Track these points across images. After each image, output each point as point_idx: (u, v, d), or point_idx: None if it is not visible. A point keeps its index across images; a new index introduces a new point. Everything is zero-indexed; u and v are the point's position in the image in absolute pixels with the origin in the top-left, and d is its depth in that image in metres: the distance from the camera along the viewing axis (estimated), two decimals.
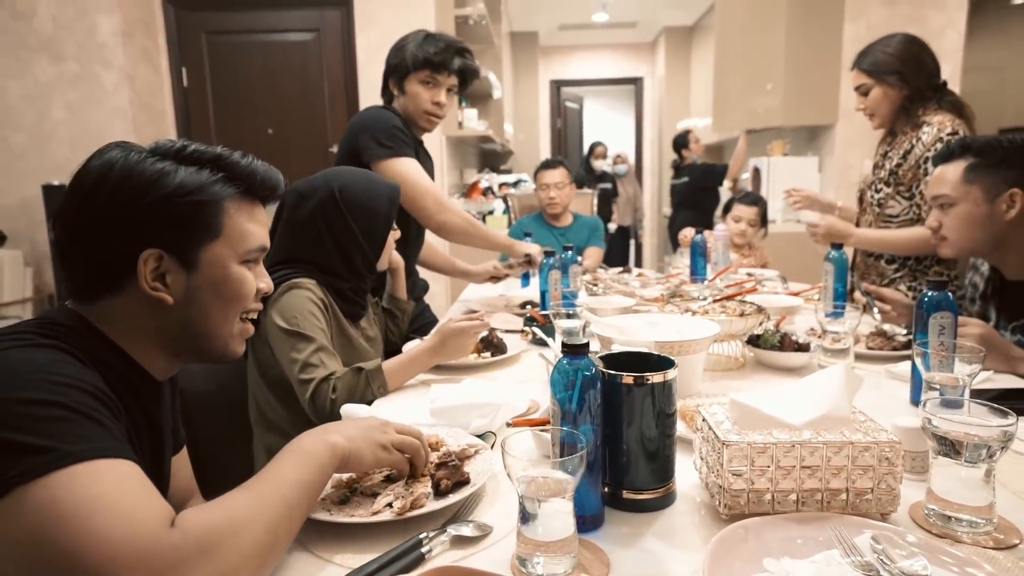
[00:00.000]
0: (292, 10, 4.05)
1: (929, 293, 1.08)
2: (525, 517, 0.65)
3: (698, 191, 5.29)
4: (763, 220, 2.95)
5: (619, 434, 0.78)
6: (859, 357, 1.37)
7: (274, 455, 0.72)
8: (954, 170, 1.40)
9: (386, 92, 1.94)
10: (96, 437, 0.59)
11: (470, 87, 2.02)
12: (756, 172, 4.74)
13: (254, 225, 0.80)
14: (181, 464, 0.96)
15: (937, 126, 1.81)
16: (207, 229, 0.75)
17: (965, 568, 0.62)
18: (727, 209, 3.05)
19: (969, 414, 0.76)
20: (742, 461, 0.73)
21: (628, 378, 0.77)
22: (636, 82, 8.11)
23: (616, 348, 1.01)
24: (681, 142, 5.51)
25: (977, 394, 1.12)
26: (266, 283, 0.84)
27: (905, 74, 1.85)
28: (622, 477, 0.80)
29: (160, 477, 0.82)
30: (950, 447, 0.70)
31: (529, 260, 2.01)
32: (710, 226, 2.87)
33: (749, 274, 2.47)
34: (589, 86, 8.50)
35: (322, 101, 4.13)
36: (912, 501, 0.78)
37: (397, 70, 1.85)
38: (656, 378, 0.77)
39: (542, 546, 0.65)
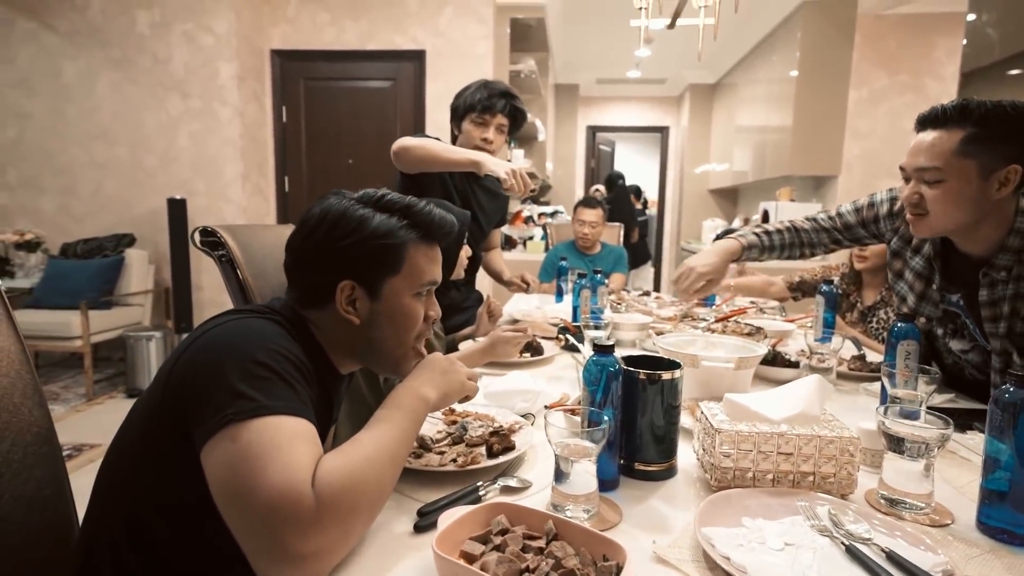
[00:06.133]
0: (374, 62, 4.28)
1: (898, 324, 1.15)
2: (559, 475, 0.76)
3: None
4: None
5: (634, 419, 0.88)
6: (840, 376, 1.44)
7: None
8: (948, 140, 1.10)
9: (453, 133, 2.04)
10: (288, 398, 0.65)
11: (521, 131, 2.13)
12: (765, 214, 4.76)
13: (428, 263, 0.84)
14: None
15: None
16: (391, 266, 0.80)
17: (894, 532, 0.70)
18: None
19: (924, 423, 0.83)
20: (730, 445, 0.82)
21: (643, 375, 0.87)
22: (663, 131, 8.18)
23: (705, 364, 1.12)
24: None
25: (938, 411, 1.18)
26: (435, 310, 0.88)
27: None
28: (635, 452, 0.89)
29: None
30: (897, 444, 0.78)
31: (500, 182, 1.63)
32: None
33: (752, 302, 2.54)
34: (621, 132, 8.62)
35: (394, 138, 4.30)
36: (868, 488, 0.85)
37: (456, 112, 1.97)
38: (666, 376, 0.87)
39: (571, 498, 0.75)
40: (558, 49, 6.03)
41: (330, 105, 4.36)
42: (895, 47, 4.12)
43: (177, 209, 3.72)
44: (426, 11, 4.16)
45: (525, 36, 4.98)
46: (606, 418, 0.77)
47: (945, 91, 4.04)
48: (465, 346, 1.53)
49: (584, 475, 0.75)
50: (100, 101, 4.00)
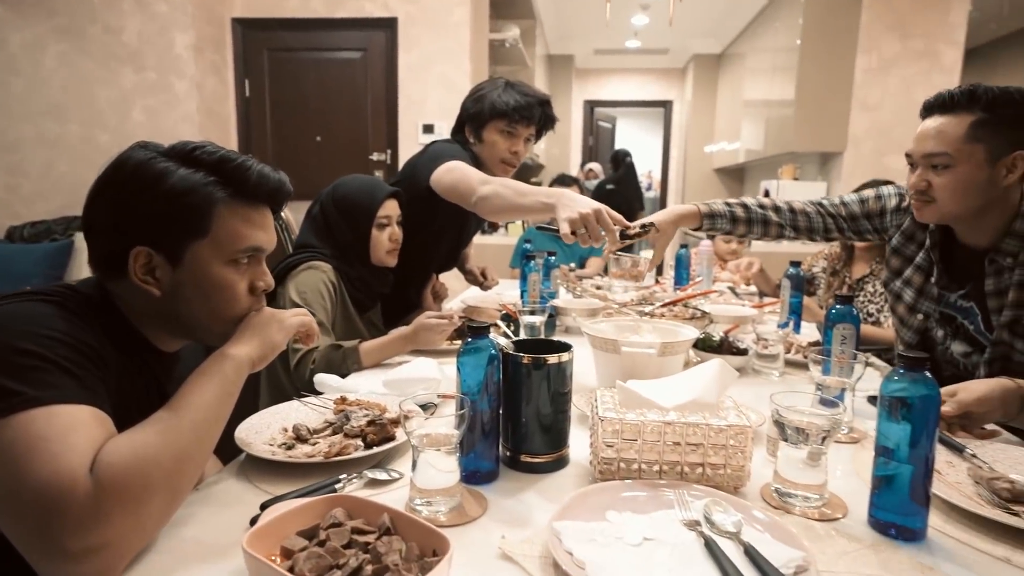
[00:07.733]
0: (343, 31, 4.25)
1: (836, 307, 1.13)
2: (414, 465, 0.75)
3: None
4: None
5: (519, 407, 0.87)
6: (791, 364, 1.42)
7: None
8: (957, 125, 1.15)
9: (458, 136, 1.81)
10: (63, 385, 0.63)
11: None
12: (767, 194, 4.71)
13: (247, 227, 0.79)
14: None
15: None
16: (194, 229, 0.75)
17: (769, 527, 0.69)
18: None
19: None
20: (613, 434, 0.81)
21: (527, 359, 0.86)
22: (666, 105, 8.11)
23: (626, 350, 1.09)
24: None
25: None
26: (264, 280, 0.83)
27: None
28: (521, 443, 0.88)
29: None
30: (782, 431, 0.76)
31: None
32: None
33: (731, 287, 2.52)
34: (621, 107, 8.54)
35: (365, 113, 4.31)
36: (767, 481, 0.84)
37: (477, 118, 1.73)
38: (552, 359, 0.86)
39: (423, 492, 0.74)
40: (548, 16, 5.96)
41: (297, 78, 4.33)
42: (907, 8, 4.03)
43: None
44: None
45: (508, 2, 4.92)
46: (467, 404, 0.76)
47: (960, 60, 3.96)
48: (393, 333, 1.52)
49: (435, 467, 0.74)
50: (49, 74, 3.98)
